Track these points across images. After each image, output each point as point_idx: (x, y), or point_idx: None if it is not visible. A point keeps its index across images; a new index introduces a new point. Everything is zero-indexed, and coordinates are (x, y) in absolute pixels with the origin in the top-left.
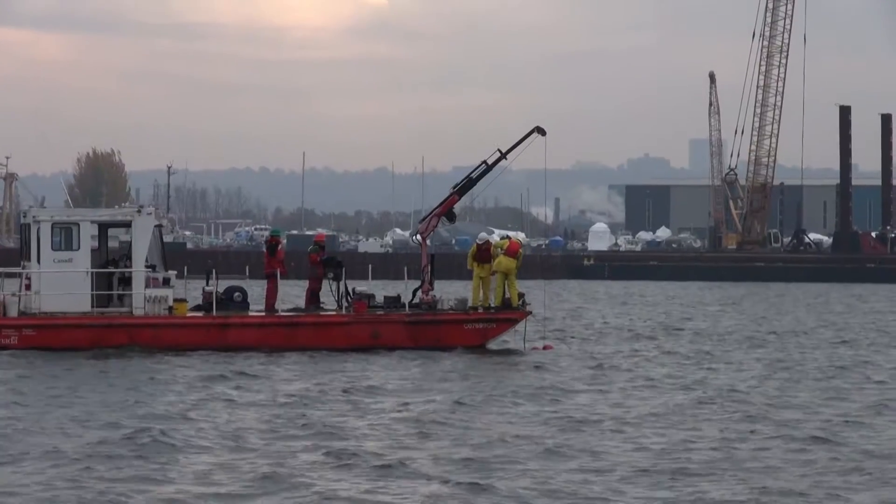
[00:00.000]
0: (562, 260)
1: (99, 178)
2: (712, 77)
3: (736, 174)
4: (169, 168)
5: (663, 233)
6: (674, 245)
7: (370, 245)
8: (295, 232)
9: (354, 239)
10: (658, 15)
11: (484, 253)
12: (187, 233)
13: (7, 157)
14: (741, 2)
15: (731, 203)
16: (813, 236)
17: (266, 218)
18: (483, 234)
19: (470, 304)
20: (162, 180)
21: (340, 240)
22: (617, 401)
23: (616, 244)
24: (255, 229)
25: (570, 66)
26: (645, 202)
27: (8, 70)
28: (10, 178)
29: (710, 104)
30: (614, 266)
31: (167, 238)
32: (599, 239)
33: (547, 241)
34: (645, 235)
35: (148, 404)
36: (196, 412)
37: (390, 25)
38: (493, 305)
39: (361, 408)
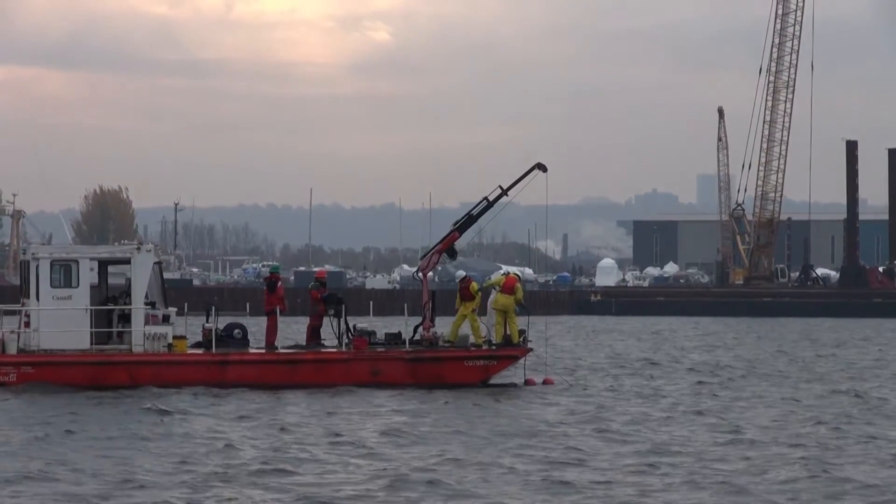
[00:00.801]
0: (569, 296)
1: (106, 215)
2: (721, 112)
3: (743, 209)
4: (176, 205)
5: (671, 268)
6: (681, 280)
7: (377, 281)
8: (302, 268)
9: (362, 275)
10: (666, 50)
11: (464, 291)
12: (195, 269)
13: (14, 195)
14: (749, 38)
15: (738, 238)
16: (820, 271)
17: (274, 254)
18: (460, 272)
19: (447, 337)
20: (169, 217)
21: (348, 276)
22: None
23: (624, 280)
24: (262, 266)
25: (578, 102)
26: (653, 237)
27: (15, 107)
28: (18, 215)
29: (720, 139)
30: (621, 302)
31: (174, 275)
32: (607, 274)
33: (554, 277)
34: (652, 271)
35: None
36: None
37: (395, 62)
38: (494, 342)
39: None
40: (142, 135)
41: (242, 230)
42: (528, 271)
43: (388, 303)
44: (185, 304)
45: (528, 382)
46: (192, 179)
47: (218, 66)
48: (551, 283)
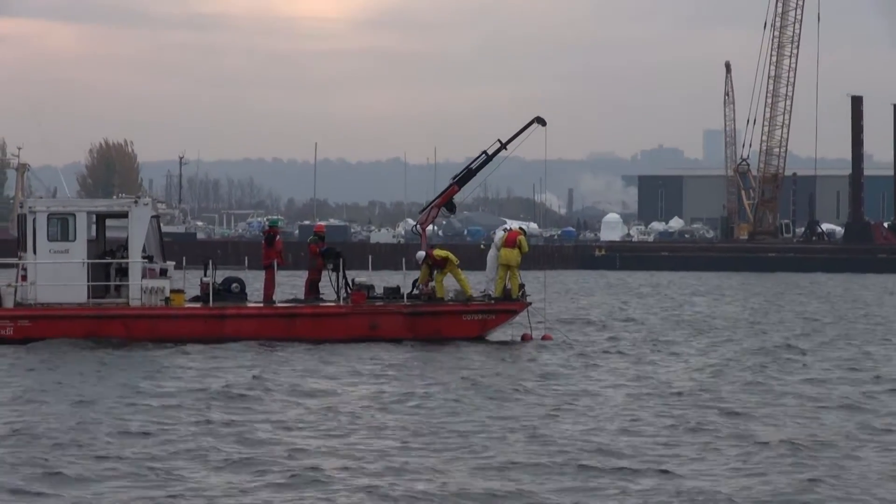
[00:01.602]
0: (573, 250)
1: (110, 169)
2: (728, 67)
3: (748, 164)
4: (181, 158)
5: (676, 223)
6: (686, 235)
7: (382, 235)
8: (307, 222)
9: (367, 229)
10: (673, 4)
11: (435, 259)
12: (199, 223)
13: (19, 148)
14: None
15: (742, 193)
16: (825, 227)
17: (279, 208)
18: (420, 253)
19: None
20: (175, 171)
21: (353, 230)
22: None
23: (629, 234)
24: (267, 220)
25: (584, 57)
26: (658, 192)
27: (19, 61)
28: (22, 168)
29: (726, 94)
30: (625, 256)
31: (179, 228)
32: (612, 229)
33: (559, 232)
34: (657, 226)
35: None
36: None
37: (403, 16)
38: (493, 296)
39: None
40: (146, 89)
41: (247, 184)
42: (533, 226)
43: (392, 257)
44: (184, 258)
45: (524, 338)
46: (197, 134)
47: (222, 20)
48: (556, 237)
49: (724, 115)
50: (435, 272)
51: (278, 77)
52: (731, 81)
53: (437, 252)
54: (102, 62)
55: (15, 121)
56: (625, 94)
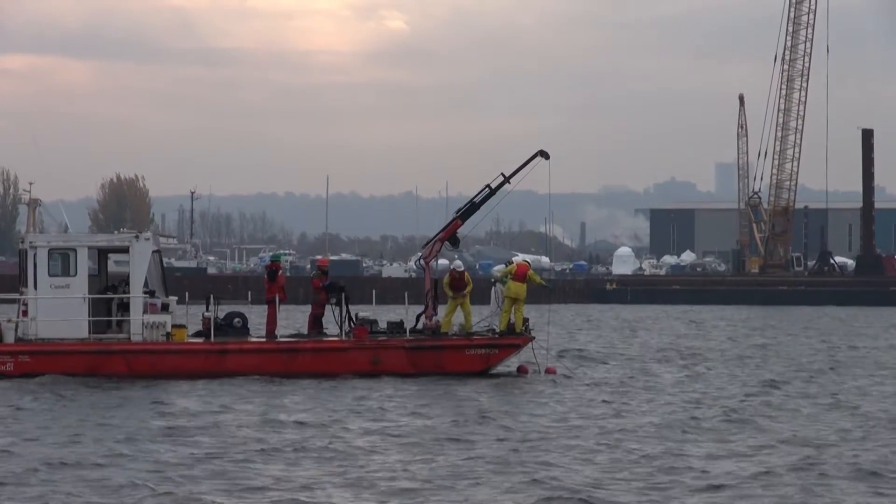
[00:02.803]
0: (585, 284)
1: (122, 204)
2: (741, 99)
3: (760, 197)
4: (192, 193)
5: (688, 256)
6: (698, 269)
7: (394, 270)
8: (319, 257)
9: (378, 264)
10: (684, 39)
11: (457, 282)
12: (211, 258)
13: (30, 184)
14: (766, 25)
15: (754, 226)
16: (837, 259)
17: (291, 243)
18: (458, 263)
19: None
20: (187, 206)
21: (364, 265)
22: None
23: (640, 268)
24: (270, 255)
25: (597, 89)
26: (670, 226)
27: (33, 96)
28: (34, 203)
29: (740, 126)
30: (637, 290)
31: (191, 263)
32: (624, 263)
33: (571, 266)
34: (669, 259)
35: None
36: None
37: (415, 49)
38: (497, 330)
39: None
40: (159, 124)
41: (260, 219)
42: (545, 259)
43: (403, 291)
44: (187, 294)
45: (520, 370)
46: (209, 168)
47: (234, 55)
48: (567, 271)
49: (738, 148)
50: (449, 297)
51: (291, 111)
52: (745, 114)
53: (514, 272)
54: (115, 97)
55: (27, 156)
56: (637, 127)
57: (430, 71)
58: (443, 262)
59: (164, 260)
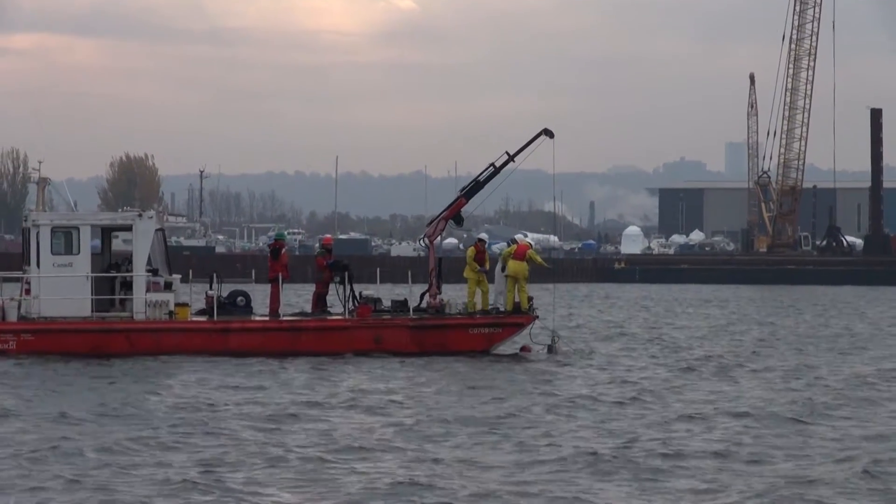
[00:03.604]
0: (593, 263)
1: (132, 183)
2: (752, 79)
3: (769, 177)
4: (202, 172)
5: (696, 236)
6: (707, 248)
7: (403, 249)
8: (328, 235)
9: (387, 243)
10: (694, 18)
11: (483, 254)
12: (220, 237)
13: (39, 162)
14: (774, 5)
15: (763, 206)
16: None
17: (300, 222)
18: (484, 234)
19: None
20: (196, 185)
21: (374, 244)
22: None
23: (649, 247)
24: (289, 233)
25: (606, 70)
26: (678, 205)
27: (44, 75)
28: (43, 182)
29: (750, 106)
30: (645, 269)
31: (199, 242)
32: (632, 242)
33: (580, 245)
34: (678, 238)
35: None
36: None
37: (421, 29)
38: (503, 309)
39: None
40: (168, 103)
41: (269, 198)
42: (554, 238)
43: (411, 269)
44: (191, 272)
45: (523, 350)
46: (219, 148)
47: (243, 34)
48: (576, 250)
49: (748, 127)
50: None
51: (300, 90)
52: (755, 93)
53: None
54: (124, 76)
55: (35, 134)
56: (647, 107)
57: (439, 51)
58: (451, 240)
59: (174, 239)
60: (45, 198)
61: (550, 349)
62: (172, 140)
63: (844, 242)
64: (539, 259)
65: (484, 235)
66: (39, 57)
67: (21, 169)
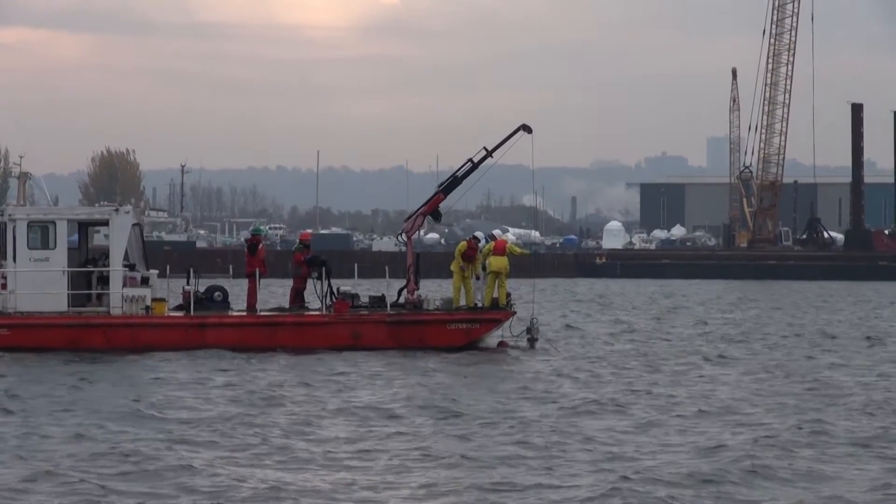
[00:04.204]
0: (574, 258)
1: (113, 177)
2: (734, 73)
3: (751, 171)
4: (183, 167)
5: (678, 231)
6: (688, 243)
7: (384, 244)
8: (310, 230)
9: (369, 238)
10: (679, 10)
11: (473, 251)
12: (201, 231)
13: (20, 157)
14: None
15: (744, 201)
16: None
17: (282, 217)
18: (479, 233)
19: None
20: (178, 179)
21: (355, 238)
22: None
23: (631, 242)
24: (270, 228)
25: (588, 65)
26: (660, 200)
27: (25, 69)
28: (24, 177)
29: (732, 101)
30: (626, 264)
31: (181, 237)
32: (614, 237)
33: (561, 240)
34: (659, 233)
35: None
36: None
37: (403, 24)
38: (480, 305)
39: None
40: (150, 98)
41: (251, 192)
42: (535, 234)
43: (391, 265)
44: (168, 267)
45: (500, 345)
46: (200, 142)
47: (225, 29)
48: (558, 245)
49: (730, 122)
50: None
51: (282, 85)
52: (737, 88)
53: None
54: (105, 71)
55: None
56: (629, 102)
57: (421, 46)
58: (432, 235)
59: (155, 234)
60: (26, 192)
61: (529, 331)
62: (153, 135)
63: (825, 234)
64: (518, 250)
65: (479, 234)
66: (20, 51)
67: (2, 163)
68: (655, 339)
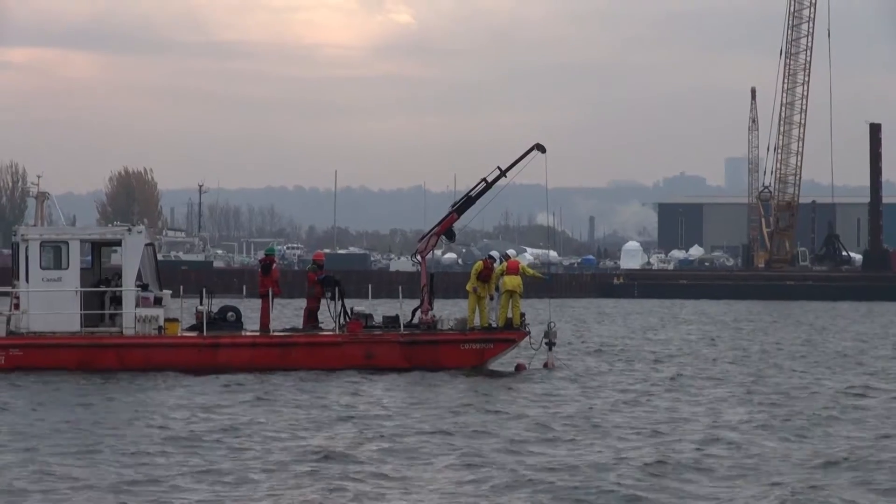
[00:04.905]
0: (592, 278)
1: (131, 197)
2: (753, 93)
3: (770, 192)
4: (200, 186)
5: (696, 251)
6: (706, 264)
7: (402, 264)
8: (328, 251)
9: (386, 258)
10: (697, 30)
11: (489, 271)
12: (219, 251)
13: (38, 177)
14: (774, 18)
15: (763, 221)
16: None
17: (299, 236)
18: (496, 252)
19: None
20: (196, 199)
21: (373, 258)
22: None
23: (648, 262)
24: (288, 248)
25: (606, 85)
26: (678, 220)
27: (40, 88)
28: (42, 196)
29: (752, 120)
30: (644, 285)
31: (198, 256)
32: (632, 257)
33: (579, 260)
34: (677, 254)
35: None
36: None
37: (419, 44)
38: (495, 325)
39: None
40: (167, 117)
41: (268, 212)
42: (553, 254)
43: (409, 285)
44: (181, 287)
45: (518, 368)
46: (219, 162)
47: (241, 48)
48: (576, 265)
49: (749, 142)
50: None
51: (299, 104)
52: (756, 108)
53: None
54: (122, 91)
55: (34, 148)
56: (647, 122)
57: (437, 65)
58: (450, 255)
59: (172, 253)
60: (44, 212)
61: (546, 335)
62: (171, 154)
63: (843, 250)
64: (531, 271)
65: (495, 253)
66: (35, 70)
67: (20, 183)
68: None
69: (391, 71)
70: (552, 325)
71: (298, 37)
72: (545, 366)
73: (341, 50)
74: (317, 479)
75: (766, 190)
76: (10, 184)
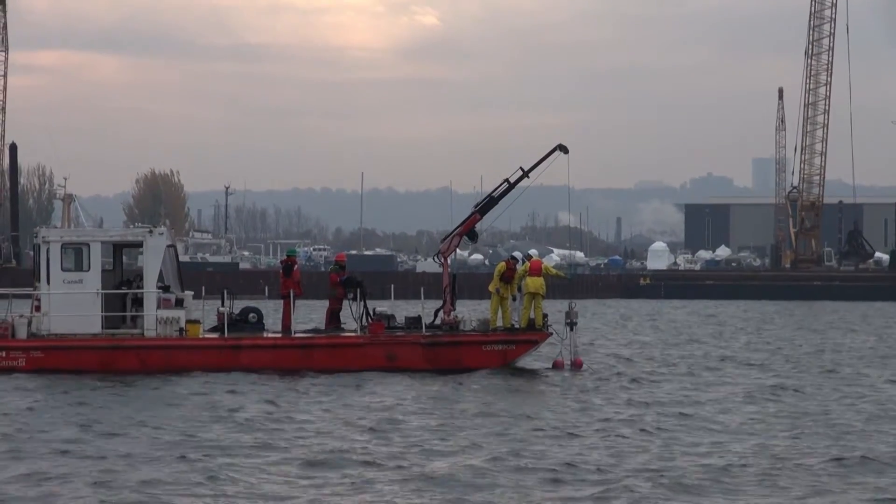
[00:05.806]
0: (618, 279)
1: (157, 199)
2: (781, 93)
3: (798, 192)
4: (227, 188)
5: (723, 251)
6: (733, 264)
7: (428, 265)
8: (354, 252)
9: (413, 259)
10: (725, 30)
11: (512, 272)
12: (245, 253)
13: (65, 178)
14: (799, 18)
15: (790, 221)
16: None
17: (326, 238)
18: (518, 253)
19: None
20: (222, 201)
21: (399, 260)
22: None
23: (675, 263)
24: (314, 249)
25: (633, 84)
26: (704, 221)
27: (68, 91)
28: (69, 199)
29: (780, 121)
30: (670, 285)
31: (225, 258)
32: (658, 258)
33: (606, 261)
34: (704, 254)
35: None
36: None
37: (446, 46)
38: (517, 326)
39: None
40: (194, 119)
41: (295, 214)
42: (580, 255)
43: (433, 286)
44: (203, 288)
45: (556, 364)
46: (245, 164)
47: (268, 51)
48: (602, 266)
49: (776, 142)
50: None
51: (326, 106)
52: (783, 108)
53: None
54: (149, 93)
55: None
56: (674, 123)
57: (463, 66)
58: (476, 256)
59: (199, 255)
60: (70, 214)
61: (568, 315)
62: (198, 156)
63: (867, 247)
64: (554, 271)
65: (517, 254)
66: (64, 74)
67: (47, 185)
68: None
69: (417, 72)
70: (573, 304)
71: (325, 39)
72: (572, 364)
73: (368, 52)
74: (328, 481)
75: (794, 190)
76: (38, 186)
